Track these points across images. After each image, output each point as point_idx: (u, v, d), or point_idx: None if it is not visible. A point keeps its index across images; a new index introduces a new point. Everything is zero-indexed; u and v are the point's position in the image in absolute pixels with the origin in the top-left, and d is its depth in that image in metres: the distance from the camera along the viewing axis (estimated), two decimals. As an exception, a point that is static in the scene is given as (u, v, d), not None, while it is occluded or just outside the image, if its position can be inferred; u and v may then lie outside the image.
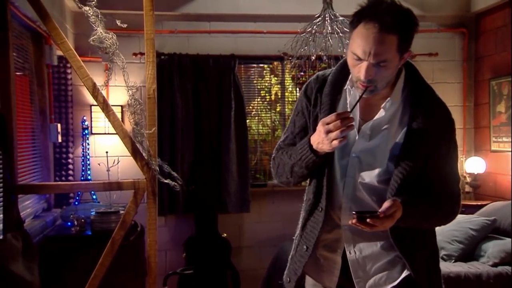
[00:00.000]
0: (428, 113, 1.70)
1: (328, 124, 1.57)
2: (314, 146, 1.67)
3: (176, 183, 2.82)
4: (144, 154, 2.72)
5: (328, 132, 1.57)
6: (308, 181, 1.92)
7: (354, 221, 1.57)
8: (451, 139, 1.77)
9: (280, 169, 1.87)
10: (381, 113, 1.70)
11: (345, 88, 1.76)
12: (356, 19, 1.58)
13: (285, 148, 1.87)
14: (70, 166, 4.53)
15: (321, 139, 1.60)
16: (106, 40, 2.55)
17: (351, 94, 1.73)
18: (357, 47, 1.57)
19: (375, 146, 1.71)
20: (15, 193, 2.49)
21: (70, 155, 4.53)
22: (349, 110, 1.66)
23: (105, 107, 2.66)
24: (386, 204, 1.59)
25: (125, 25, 2.61)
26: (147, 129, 2.69)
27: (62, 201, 4.28)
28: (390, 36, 1.53)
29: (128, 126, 2.75)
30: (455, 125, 1.78)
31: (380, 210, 1.57)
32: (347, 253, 1.78)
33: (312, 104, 1.81)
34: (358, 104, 1.67)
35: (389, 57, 1.56)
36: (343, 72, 1.77)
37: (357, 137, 1.72)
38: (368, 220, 1.55)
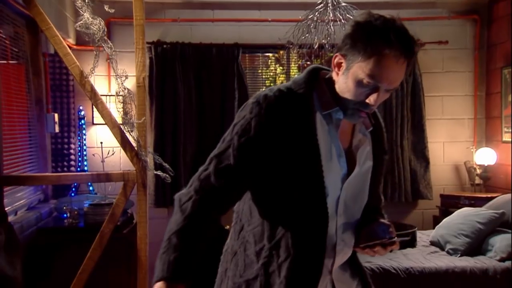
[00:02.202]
0: (379, 131, 1.65)
1: None
2: None
3: (167, 175, 2.75)
4: (133, 145, 2.65)
5: None
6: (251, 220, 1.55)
7: (395, 245, 1.49)
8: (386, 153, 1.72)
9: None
10: (368, 134, 1.58)
11: (321, 113, 1.49)
12: (379, 42, 1.35)
13: (214, 188, 1.45)
14: (72, 157, 4.48)
15: None
16: (93, 26, 2.47)
17: (334, 120, 1.49)
18: (379, 74, 1.37)
19: (364, 172, 1.57)
20: (-1, 184, 2.42)
21: (72, 146, 4.48)
22: (332, 140, 1.50)
23: (93, 96, 2.59)
24: (390, 225, 1.53)
25: (112, 11, 2.52)
26: (136, 119, 2.61)
27: (64, 192, 4.24)
28: (407, 62, 1.42)
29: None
30: None
31: (392, 233, 1.51)
32: None
33: (282, 134, 1.44)
34: (338, 129, 1.50)
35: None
36: (309, 89, 1.50)
37: (345, 165, 1.51)
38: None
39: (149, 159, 2.77)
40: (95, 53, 2.51)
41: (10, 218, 3.10)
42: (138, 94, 2.60)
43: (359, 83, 1.40)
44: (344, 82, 1.43)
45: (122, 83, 2.57)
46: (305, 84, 1.49)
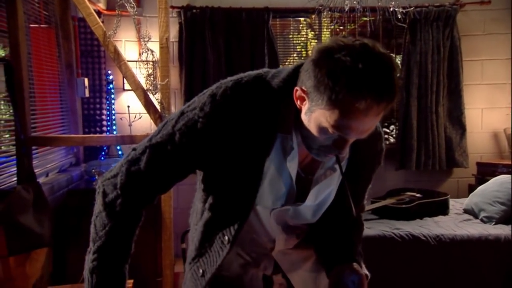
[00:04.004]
0: (370, 153, 1.43)
1: None
2: None
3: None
4: (157, 107, 2.63)
5: None
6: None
7: None
8: (377, 168, 1.49)
9: (96, 231, 1.36)
10: (336, 168, 1.35)
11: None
12: (345, 92, 1.06)
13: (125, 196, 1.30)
14: (104, 122, 4.53)
15: None
16: (115, -14, 2.44)
17: (288, 144, 1.28)
18: (345, 127, 1.11)
19: (318, 209, 1.40)
20: (26, 144, 2.46)
21: (104, 111, 4.52)
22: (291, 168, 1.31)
23: (117, 57, 2.58)
24: (361, 276, 1.35)
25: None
26: (160, 81, 2.59)
27: (95, 156, 4.31)
28: (385, 106, 1.13)
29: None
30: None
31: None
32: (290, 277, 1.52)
33: (231, 140, 1.24)
34: (297, 155, 1.30)
35: None
36: (283, 92, 1.25)
37: (293, 190, 1.35)
38: None
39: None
40: (117, 12, 2.48)
41: (42, 179, 3.17)
42: (161, 55, 2.57)
43: (322, 130, 1.15)
44: (307, 123, 1.19)
45: (145, 44, 2.54)
46: (278, 87, 1.24)
